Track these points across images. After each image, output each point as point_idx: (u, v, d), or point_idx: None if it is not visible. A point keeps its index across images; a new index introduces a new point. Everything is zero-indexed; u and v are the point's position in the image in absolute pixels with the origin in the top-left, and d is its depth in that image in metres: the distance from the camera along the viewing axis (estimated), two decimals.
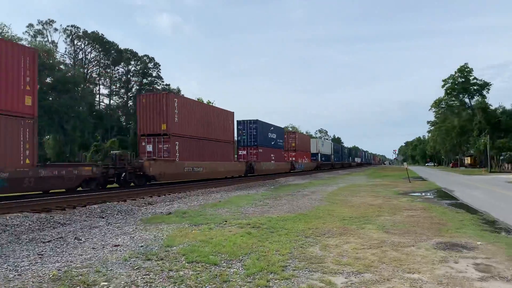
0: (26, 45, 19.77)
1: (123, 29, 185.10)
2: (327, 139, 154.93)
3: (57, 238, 8.69)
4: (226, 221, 11.15)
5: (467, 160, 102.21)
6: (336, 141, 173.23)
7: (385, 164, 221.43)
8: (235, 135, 34.22)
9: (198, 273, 6.02)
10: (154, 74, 79.23)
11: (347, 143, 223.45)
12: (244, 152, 38.41)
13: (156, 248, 7.77)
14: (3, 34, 50.64)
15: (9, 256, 7.11)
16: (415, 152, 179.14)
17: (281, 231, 9.65)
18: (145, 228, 10.19)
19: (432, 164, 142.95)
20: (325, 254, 7.48)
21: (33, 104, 15.40)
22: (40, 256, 7.14)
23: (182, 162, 24.68)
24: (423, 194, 21.86)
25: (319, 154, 65.02)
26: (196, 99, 33.84)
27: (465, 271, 6.41)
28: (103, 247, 7.90)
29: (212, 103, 58.81)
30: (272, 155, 43.05)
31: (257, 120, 39.00)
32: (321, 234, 9.46)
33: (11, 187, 14.22)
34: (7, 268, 6.33)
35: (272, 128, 43.78)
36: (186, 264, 6.53)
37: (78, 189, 18.94)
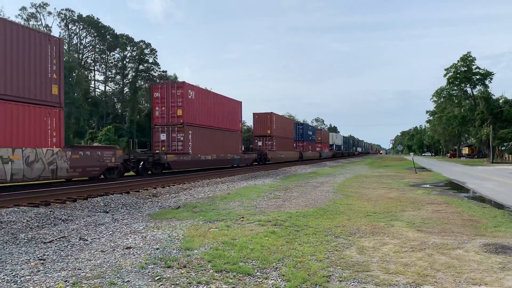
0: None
1: (114, 14, 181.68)
2: (323, 128, 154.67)
3: (59, 238, 7.72)
4: (243, 218, 10.22)
5: (465, 150, 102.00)
6: (333, 130, 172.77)
7: (381, 153, 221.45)
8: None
9: (233, 287, 5.09)
10: (150, 60, 77.54)
11: (343, 132, 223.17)
12: (295, 145, 54.14)
13: (175, 251, 6.83)
14: None
15: (6, 262, 6.13)
16: (411, 142, 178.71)
17: (307, 230, 8.74)
18: (156, 225, 9.23)
19: (430, 154, 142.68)
20: (367, 260, 6.58)
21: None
22: (42, 261, 6.17)
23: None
24: (435, 186, 21.07)
25: (334, 145, 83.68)
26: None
27: None
28: (114, 250, 6.94)
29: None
30: (309, 147, 61.13)
31: (303, 122, 68.21)
32: (351, 234, 8.57)
33: None
34: (4, 278, 5.36)
35: (309, 127, 66.72)
36: (215, 274, 5.58)
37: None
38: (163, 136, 25.02)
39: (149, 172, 22.61)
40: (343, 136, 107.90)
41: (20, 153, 13.46)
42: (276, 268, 5.99)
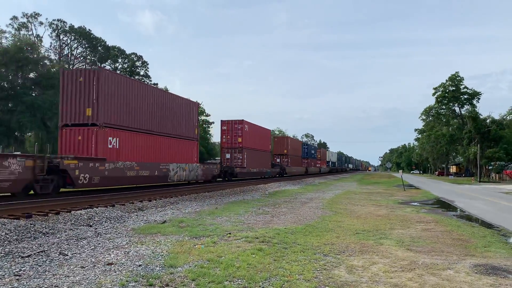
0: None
1: (104, 26, 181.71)
2: (313, 143, 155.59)
3: (38, 252, 7.42)
4: (230, 233, 9.99)
5: (452, 169, 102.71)
6: (322, 145, 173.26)
7: (369, 170, 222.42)
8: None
9: None
10: (141, 73, 77.33)
11: (332, 148, 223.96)
12: (301, 162, 61.90)
13: (158, 268, 6.58)
14: None
15: None
16: (400, 159, 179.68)
17: (295, 247, 8.55)
18: (140, 240, 8.96)
19: (418, 172, 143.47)
20: (356, 280, 6.40)
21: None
22: (17, 277, 5.88)
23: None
24: (424, 204, 21.02)
25: (330, 162, 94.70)
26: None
27: None
28: (94, 266, 6.67)
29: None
30: (312, 163, 69.44)
31: (307, 142, 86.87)
32: (340, 252, 8.40)
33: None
34: None
35: (312, 146, 76.74)
36: None
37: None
38: (228, 155, 35.58)
39: (226, 178, 34.16)
40: (337, 153, 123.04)
41: (187, 166, 25.34)
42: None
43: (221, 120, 36.69)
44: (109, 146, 18.61)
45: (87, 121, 18.21)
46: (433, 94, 72.85)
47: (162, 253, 7.66)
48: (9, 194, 14.44)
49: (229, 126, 35.76)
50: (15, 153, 16.32)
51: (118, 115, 19.34)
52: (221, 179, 33.58)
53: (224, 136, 36.02)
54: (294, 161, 55.62)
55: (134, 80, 22.31)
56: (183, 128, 25.83)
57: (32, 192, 15.23)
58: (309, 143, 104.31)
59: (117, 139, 19.22)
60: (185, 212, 14.42)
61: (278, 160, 51.51)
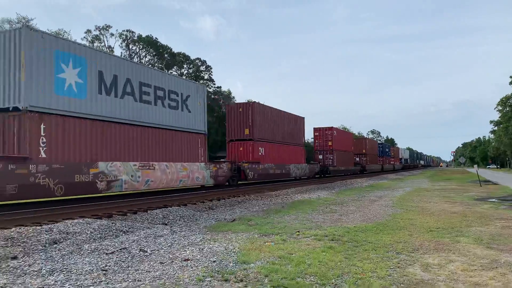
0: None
1: (167, 33, 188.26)
2: (380, 140, 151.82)
3: (120, 249, 7.95)
4: (298, 232, 10.06)
5: None
6: (390, 142, 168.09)
7: (441, 166, 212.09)
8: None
9: None
10: (206, 77, 79.55)
11: (400, 144, 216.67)
12: (377, 160, 68.42)
13: (231, 264, 6.80)
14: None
15: (71, 271, 6.38)
16: (474, 154, 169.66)
17: (366, 246, 8.42)
18: (212, 237, 9.29)
19: (495, 166, 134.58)
20: (432, 278, 6.21)
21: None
22: (104, 272, 6.36)
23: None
24: (504, 200, 19.71)
25: (402, 159, 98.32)
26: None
27: None
28: (172, 262, 7.04)
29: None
30: (387, 161, 76.62)
31: (383, 142, 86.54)
32: (414, 250, 8.16)
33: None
34: (69, 287, 5.57)
35: (386, 145, 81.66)
36: None
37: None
38: (320, 156, 43.47)
39: (321, 175, 41.82)
40: (409, 150, 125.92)
41: (300, 166, 33.59)
42: (336, 285, 5.79)
43: (313, 128, 45.12)
44: (259, 154, 27.45)
45: (246, 137, 27.35)
46: (511, 83, 68.00)
47: (234, 250, 7.90)
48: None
49: (320, 132, 44.30)
50: (223, 160, 25.76)
51: (263, 132, 28.57)
52: (318, 176, 41.31)
53: (316, 141, 44.81)
54: (371, 159, 63.40)
55: (269, 107, 30.51)
56: (296, 137, 34.57)
57: (227, 183, 23.36)
58: (380, 141, 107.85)
59: (263, 148, 28.38)
60: (252, 211, 14.68)
61: (357, 159, 57.80)
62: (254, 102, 29.67)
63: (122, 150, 15.66)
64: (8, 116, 12.61)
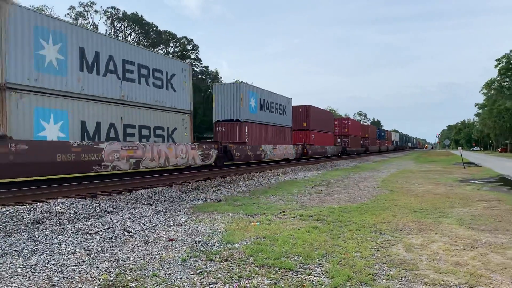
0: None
1: (151, 11, 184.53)
2: (366, 122, 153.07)
3: (104, 229, 7.88)
4: (284, 212, 10.10)
5: None
6: (376, 124, 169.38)
7: (426, 148, 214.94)
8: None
9: (275, 283, 4.98)
10: (192, 56, 78.64)
11: (386, 126, 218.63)
12: (378, 142, 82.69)
13: (216, 244, 6.80)
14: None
15: (54, 251, 6.31)
16: (459, 136, 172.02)
17: (350, 226, 8.50)
18: (198, 218, 9.27)
19: (478, 149, 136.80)
20: (415, 257, 6.29)
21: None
22: (87, 252, 6.31)
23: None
24: (486, 182, 20.06)
25: (394, 141, 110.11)
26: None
27: None
28: (156, 242, 7.00)
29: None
30: (382, 143, 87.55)
31: (380, 128, 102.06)
32: (397, 230, 8.25)
33: None
34: (51, 268, 5.50)
35: (382, 130, 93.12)
36: (257, 269, 5.49)
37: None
38: (339, 140, 52.77)
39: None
40: (399, 134, 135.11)
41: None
42: (319, 264, 5.82)
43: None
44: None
45: (304, 127, 38.98)
46: (496, 66, 68.74)
47: (219, 230, 7.89)
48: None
49: (339, 122, 54.72)
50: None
51: (314, 124, 40.19)
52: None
53: (336, 129, 53.15)
54: (372, 142, 75.26)
55: (314, 107, 40.98)
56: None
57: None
58: (367, 123, 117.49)
59: (314, 135, 40.06)
60: (239, 192, 14.70)
61: (362, 142, 66.95)
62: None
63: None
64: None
